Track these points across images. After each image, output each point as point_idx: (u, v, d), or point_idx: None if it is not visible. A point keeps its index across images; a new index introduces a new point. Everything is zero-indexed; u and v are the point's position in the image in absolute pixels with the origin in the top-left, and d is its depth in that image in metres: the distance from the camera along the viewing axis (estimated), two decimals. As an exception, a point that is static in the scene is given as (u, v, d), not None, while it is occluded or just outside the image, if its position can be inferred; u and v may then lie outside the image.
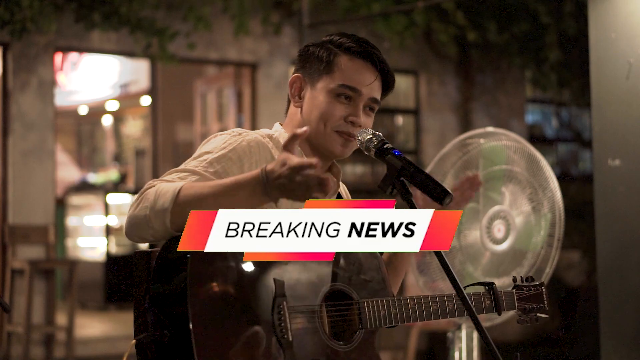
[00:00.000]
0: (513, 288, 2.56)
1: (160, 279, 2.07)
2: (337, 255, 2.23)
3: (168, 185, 2.05)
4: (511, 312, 3.86)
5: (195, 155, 2.22)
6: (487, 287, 2.47)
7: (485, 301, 2.45)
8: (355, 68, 2.30)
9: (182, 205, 2.01)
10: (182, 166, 2.17)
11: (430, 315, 2.33)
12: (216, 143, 2.21)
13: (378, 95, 2.34)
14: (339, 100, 2.28)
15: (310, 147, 2.32)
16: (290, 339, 2.09)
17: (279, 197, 1.98)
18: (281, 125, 2.39)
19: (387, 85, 2.36)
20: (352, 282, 2.24)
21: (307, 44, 2.40)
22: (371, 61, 2.32)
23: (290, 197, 1.96)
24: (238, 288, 2.05)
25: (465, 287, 2.44)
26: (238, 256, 2.06)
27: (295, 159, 1.92)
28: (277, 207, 2.18)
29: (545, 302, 2.58)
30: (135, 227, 2.07)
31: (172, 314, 2.03)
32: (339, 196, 2.43)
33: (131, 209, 2.08)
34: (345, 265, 2.24)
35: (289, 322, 2.09)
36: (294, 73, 2.37)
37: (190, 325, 1.97)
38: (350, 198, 2.51)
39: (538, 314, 2.57)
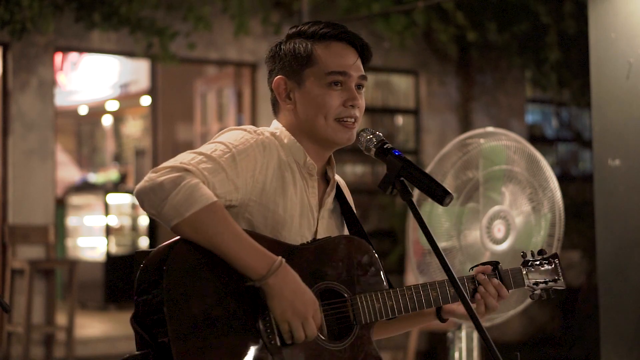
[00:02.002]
0: (522, 264, 2.46)
1: (141, 294, 2.06)
2: (325, 253, 2.21)
3: (203, 191, 2.03)
4: (512, 312, 3.88)
5: (211, 141, 2.20)
6: (492, 267, 2.39)
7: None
8: (335, 52, 2.28)
9: (194, 223, 2.02)
10: (202, 149, 2.15)
11: (430, 302, 2.27)
12: (235, 137, 2.20)
13: (363, 71, 2.32)
14: (332, 88, 2.26)
15: (313, 142, 2.30)
16: (279, 343, 2.07)
17: (272, 295, 2.05)
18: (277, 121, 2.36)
19: (366, 58, 2.34)
20: (343, 278, 2.20)
21: (276, 43, 2.35)
22: (347, 40, 2.30)
23: (281, 310, 2.05)
24: (219, 298, 2.04)
25: (472, 268, 2.42)
26: (217, 263, 2.05)
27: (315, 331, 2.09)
28: (282, 212, 2.19)
29: (560, 273, 2.47)
30: (150, 194, 2.04)
31: (153, 333, 2.02)
32: (338, 187, 2.41)
33: (158, 175, 2.05)
34: (333, 263, 2.21)
35: (275, 327, 2.07)
36: (273, 76, 2.32)
37: (172, 344, 1.96)
38: (347, 190, 2.48)
39: (553, 288, 2.46)
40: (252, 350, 2.05)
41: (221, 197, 2.11)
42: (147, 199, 2.05)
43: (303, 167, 2.28)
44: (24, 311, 6.62)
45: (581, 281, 8.88)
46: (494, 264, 2.39)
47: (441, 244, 3.79)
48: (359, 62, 2.31)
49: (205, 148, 2.16)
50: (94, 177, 11.71)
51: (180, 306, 1.99)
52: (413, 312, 2.28)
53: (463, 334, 3.91)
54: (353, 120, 2.28)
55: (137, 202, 2.11)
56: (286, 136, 2.29)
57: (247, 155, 2.16)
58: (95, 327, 8.21)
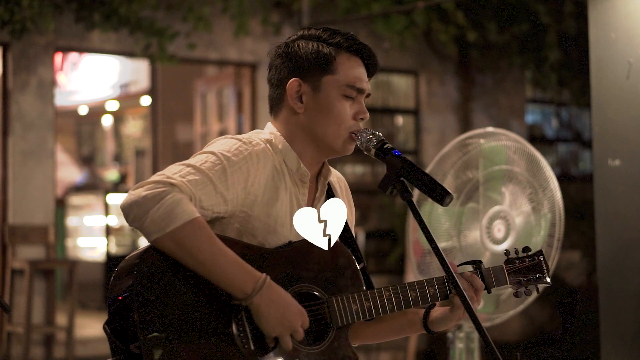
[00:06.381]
0: (505, 262, 2.41)
1: (113, 301, 2.06)
2: (300, 256, 2.19)
3: (185, 207, 2.02)
4: (512, 312, 3.88)
5: (203, 150, 2.18)
6: (474, 266, 2.34)
7: None
8: (354, 66, 2.27)
9: (175, 239, 2.01)
10: (192, 161, 2.13)
11: (409, 303, 2.24)
12: (228, 147, 2.17)
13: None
14: (347, 100, 2.25)
15: (314, 147, 2.27)
16: (253, 348, 2.06)
17: (259, 314, 2.05)
18: (272, 124, 2.31)
19: (373, 75, 2.34)
20: (318, 281, 2.18)
21: (287, 41, 2.30)
22: (365, 57, 2.30)
23: (265, 323, 2.05)
24: (190, 304, 2.03)
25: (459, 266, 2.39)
26: (187, 269, 2.03)
27: (290, 344, 2.08)
28: (275, 227, 2.18)
29: (545, 270, 2.42)
30: (135, 207, 2.03)
31: (125, 339, 2.01)
32: (330, 190, 2.37)
33: (143, 189, 2.04)
34: (309, 265, 2.18)
35: (249, 331, 2.06)
36: (284, 74, 2.27)
37: (143, 351, 1.96)
38: (347, 191, 2.46)
39: (538, 285, 2.41)
40: (226, 356, 2.04)
41: (207, 210, 2.09)
42: (130, 212, 2.04)
43: (295, 174, 2.25)
44: (24, 311, 6.62)
45: (581, 281, 8.88)
46: (476, 263, 2.35)
47: (441, 244, 3.79)
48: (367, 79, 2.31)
49: (196, 159, 2.13)
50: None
51: (150, 312, 1.99)
52: (396, 314, 2.25)
53: (463, 334, 3.92)
54: None
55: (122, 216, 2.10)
56: (280, 142, 2.25)
57: (239, 167, 2.13)
58: (95, 327, 8.20)
